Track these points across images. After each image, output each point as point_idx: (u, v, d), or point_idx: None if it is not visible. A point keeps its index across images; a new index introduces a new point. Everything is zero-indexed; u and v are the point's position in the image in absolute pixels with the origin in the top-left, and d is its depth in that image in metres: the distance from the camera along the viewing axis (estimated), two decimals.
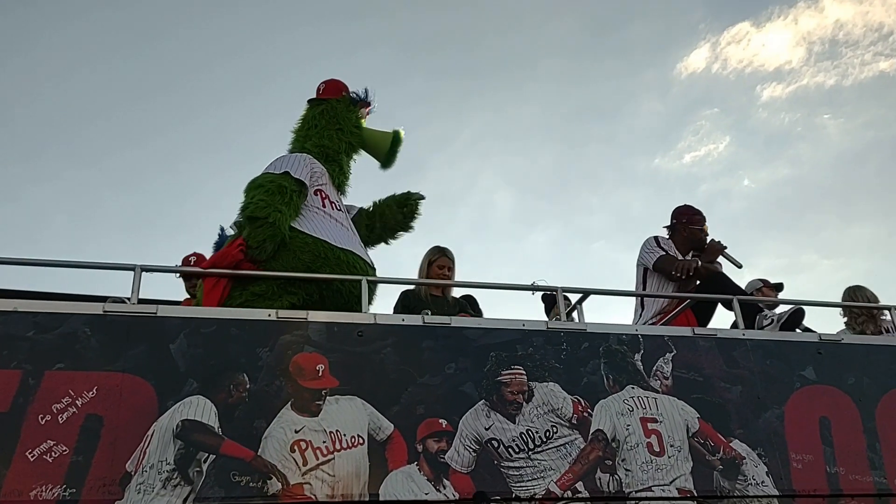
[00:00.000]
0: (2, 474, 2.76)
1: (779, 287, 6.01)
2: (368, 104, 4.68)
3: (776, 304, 5.04)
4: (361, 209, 4.71)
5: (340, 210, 4.30)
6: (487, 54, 16.27)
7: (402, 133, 4.63)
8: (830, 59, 15.70)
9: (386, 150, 4.57)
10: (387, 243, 4.82)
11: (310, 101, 4.62)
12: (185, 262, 5.14)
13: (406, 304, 4.62)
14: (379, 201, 4.79)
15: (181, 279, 5.14)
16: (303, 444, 3.09)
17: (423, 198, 4.79)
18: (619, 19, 16.16)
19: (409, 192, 4.79)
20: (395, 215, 4.74)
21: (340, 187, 4.51)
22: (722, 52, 15.91)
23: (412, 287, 4.79)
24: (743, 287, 5.38)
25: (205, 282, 3.88)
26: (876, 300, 5.26)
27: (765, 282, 5.98)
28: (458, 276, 4.96)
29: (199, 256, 5.10)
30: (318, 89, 4.64)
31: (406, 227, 4.80)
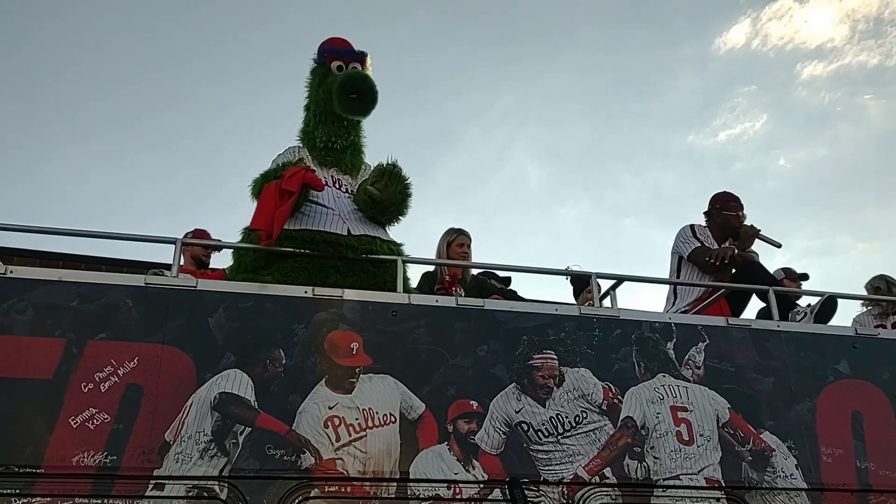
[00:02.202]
0: (45, 440, 2.85)
1: (804, 277, 5.91)
2: (335, 53, 4.27)
3: (807, 301, 4.99)
4: (360, 184, 4.26)
5: (330, 186, 4.13)
6: (524, 21, 16.10)
7: (358, 71, 4.16)
8: (875, 37, 15.33)
9: (337, 105, 4.15)
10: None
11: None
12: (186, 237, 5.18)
13: (430, 285, 4.61)
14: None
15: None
16: (336, 421, 3.15)
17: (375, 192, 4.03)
18: None
19: (368, 195, 4.02)
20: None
21: (326, 162, 4.26)
22: (763, 27, 15.60)
23: (431, 269, 4.78)
24: None
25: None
26: None
27: (787, 272, 5.86)
28: (488, 248, 4.91)
29: (199, 232, 5.22)
30: None
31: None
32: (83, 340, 3.07)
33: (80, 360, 3.03)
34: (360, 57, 4.28)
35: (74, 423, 2.91)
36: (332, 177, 4.22)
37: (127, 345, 3.11)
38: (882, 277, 5.46)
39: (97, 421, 2.93)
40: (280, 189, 3.67)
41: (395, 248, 4.10)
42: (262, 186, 3.86)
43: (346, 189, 4.24)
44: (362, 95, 4.10)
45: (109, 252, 7.68)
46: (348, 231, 3.95)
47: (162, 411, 3.01)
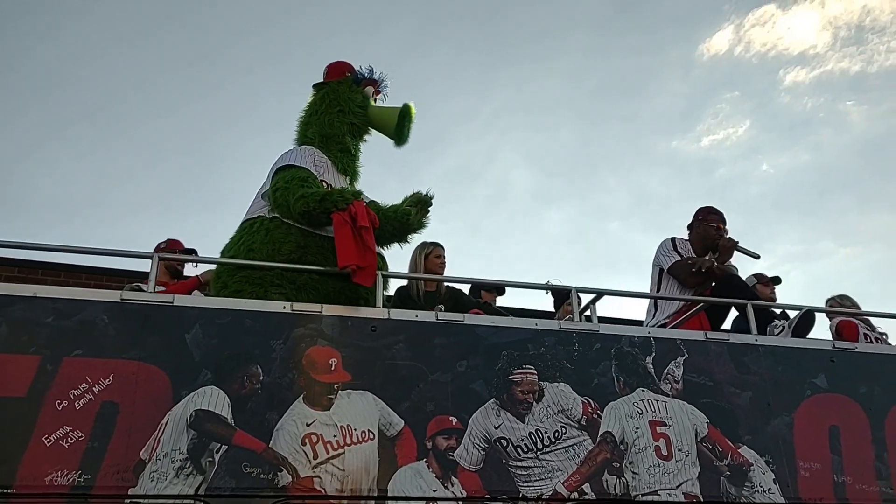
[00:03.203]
0: (18, 459, 2.81)
1: (776, 280, 5.89)
2: (375, 81, 4.57)
3: (786, 315, 5.02)
4: (372, 202, 4.38)
5: None
6: (512, 27, 16.13)
7: (413, 107, 4.46)
8: (856, 44, 15.50)
9: (393, 126, 4.42)
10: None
11: (315, 86, 4.58)
12: (157, 249, 5.14)
13: (404, 301, 4.59)
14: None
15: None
16: (314, 438, 3.13)
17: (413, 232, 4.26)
18: None
19: (408, 215, 4.11)
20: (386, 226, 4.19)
21: (347, 171, 4.43)
22: (746, 34, 15.72)
23: (404, 283, 4.75)
24: None
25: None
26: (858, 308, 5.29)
27: (759, 277, 5.84)
28: (475, 253, 4.89)
29: (173, 242, 5.19)
30: (324, 73, 4.59)
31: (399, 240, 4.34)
32: (58, 357, 3.04)
33: (55, 378, 3.00)
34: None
35: (48, 442, 2.87)
36: (348, 186, 4.35)
37: (103, 361, 3.08)
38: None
39: (71, 439, 2.90)
40: (357, 227, 3.77)
41: (384, 261, 4.16)
42: (318, 207, 3.82)
43: None
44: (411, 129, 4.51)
45: (90, 261, 7.59)
46: None
47: (137, 429, 2.98)
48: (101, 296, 3.23)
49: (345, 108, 4.43)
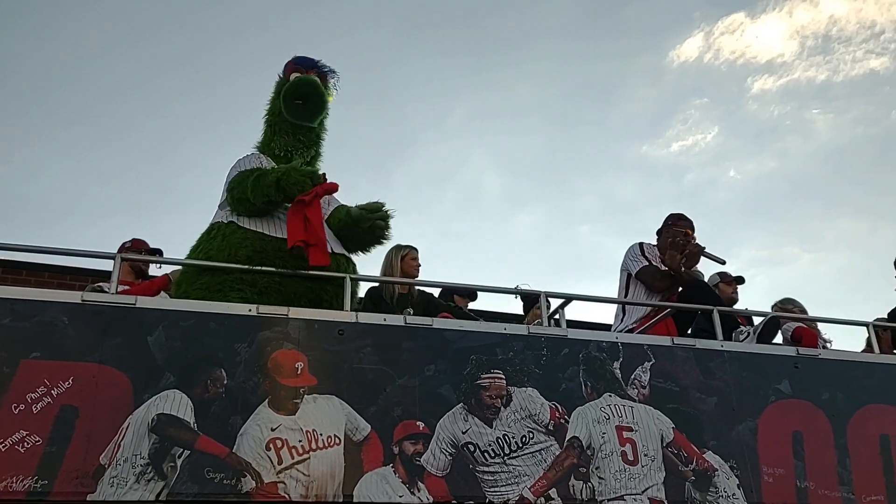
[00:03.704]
0: None
1: (739, 280, 5.94)
2: (300, 68, 4.26)
3: (751, 321, 5.07)
4: (341, 206, 4.32)
5: None
6: (484, 32, 16.21)
7: (301, 78, 4.14)
8: (823, 53, 15.80)
9: (284, 107, 4.17)
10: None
11: None
12: (122, 248, 5.07)
13: (375, 302, 4.56)
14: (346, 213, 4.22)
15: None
16: (278, 443, 3.09)
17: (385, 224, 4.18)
18: (616, 1, 16.17)
19: (367, 211, 4.11)
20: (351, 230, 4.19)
21: None
22: (715, 41, 15.95)
23: (376, 285, 4.71)
24: None
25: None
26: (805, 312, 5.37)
27: (722, 276, 5.89)
28: (444, 254, 4.86)
29: (138, 242, 5.11)
30: None
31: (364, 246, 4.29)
32: (15, 359, 2.96)
33: (12, 381, 2.92)
34: (321, 68, 4.32)
35: (3, 447, 2.80)
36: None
37: (62, 364, 3.01)
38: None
39: (28, 444, 2.83)
40: (305, 213, 3.73)
41: (345, 262, 4.08)
42: (276, 195, 3.80)
43: None
44: (307, 100, 4.12)
45: (54, 260, 7.43)
46: None
47: (97, 433, 2.91)
48: (62, 296, 3.16)
49: (267, 115, 4.36)
